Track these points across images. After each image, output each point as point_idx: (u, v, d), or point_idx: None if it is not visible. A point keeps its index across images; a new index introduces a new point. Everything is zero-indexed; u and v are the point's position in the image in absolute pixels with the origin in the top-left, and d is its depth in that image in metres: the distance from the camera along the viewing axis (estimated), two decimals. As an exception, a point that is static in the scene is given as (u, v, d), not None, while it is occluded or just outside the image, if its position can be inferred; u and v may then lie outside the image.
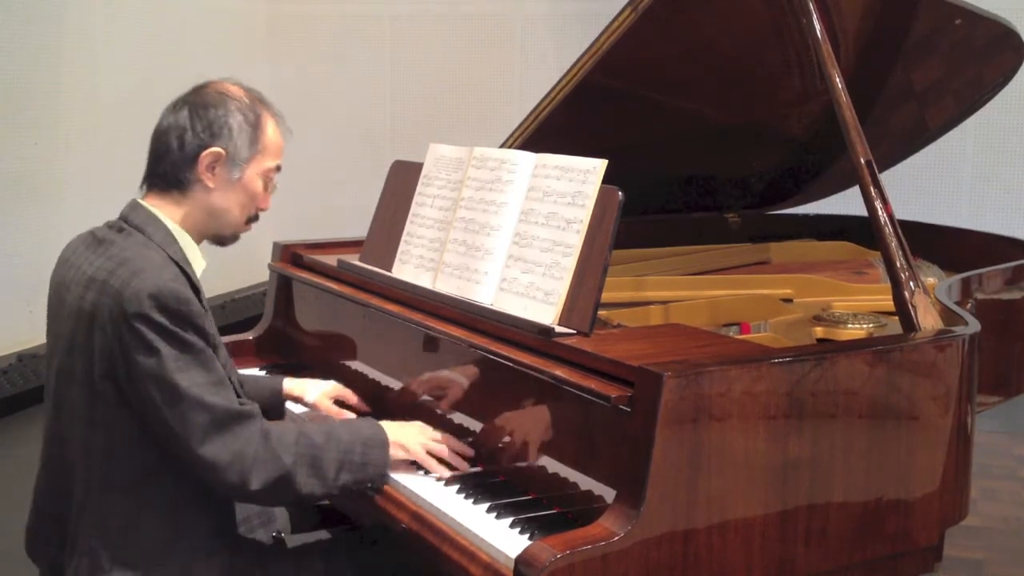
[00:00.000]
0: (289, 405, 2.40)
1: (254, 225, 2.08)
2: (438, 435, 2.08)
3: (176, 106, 1.97)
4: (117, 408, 1.84)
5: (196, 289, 1.91)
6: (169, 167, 1.95)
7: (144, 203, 1.97)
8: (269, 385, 2.37)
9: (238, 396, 1.97)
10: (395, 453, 2.01)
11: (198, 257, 1.99)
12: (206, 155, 1.93)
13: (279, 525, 2.16)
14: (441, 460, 2.03)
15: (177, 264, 1.90)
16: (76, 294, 1.89)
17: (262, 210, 2.05)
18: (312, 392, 2.35)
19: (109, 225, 1.98)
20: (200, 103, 1.95)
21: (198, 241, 2.00)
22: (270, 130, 2.01)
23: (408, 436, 2.03)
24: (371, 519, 2.03)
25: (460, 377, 2.13)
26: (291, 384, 2.38)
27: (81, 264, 1.93)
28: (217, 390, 1.83)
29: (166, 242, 1.92)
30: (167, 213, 1.95)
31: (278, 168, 2.04)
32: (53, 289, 1.99)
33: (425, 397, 2.24)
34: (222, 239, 2.04)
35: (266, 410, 2.03)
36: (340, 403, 2.36)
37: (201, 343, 1.83)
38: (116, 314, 1.80)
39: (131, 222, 1.94)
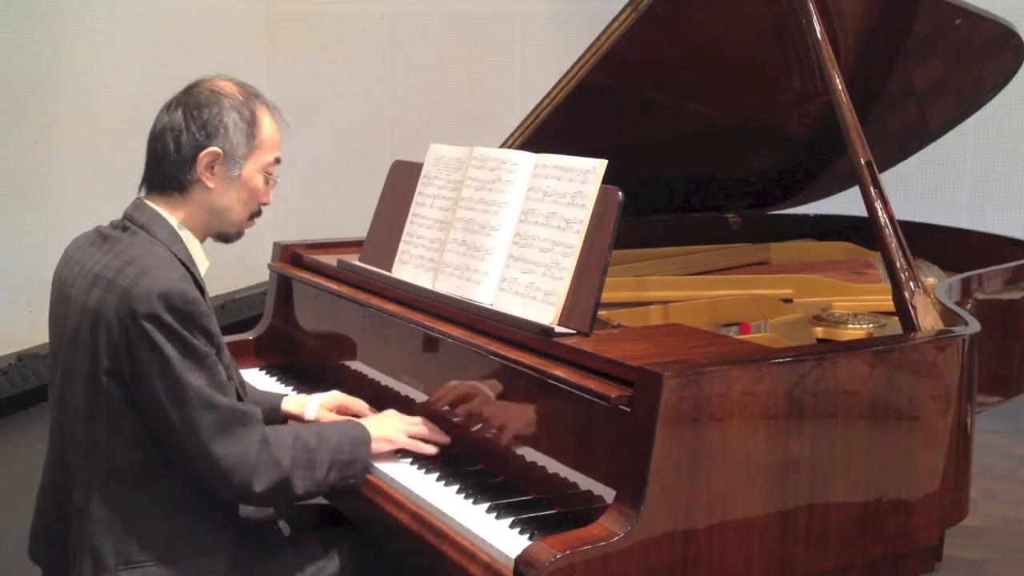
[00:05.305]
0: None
1: (256, 222, 2.08)
2: (414, 419, 2.14)
3: (170, 107, 1.97)
4: (120, 406, 1.84)
5: (201, 288, 1.91)
6: (168, 169, 1.95)
7: (148, 202, 1.97)
8: (269, 400, 2.33)
9: (240, 398, 1.97)
10: (381, 447, 2.07)
11: (202, 256, 1.99)
12: (204, 155, 1.93)
13: (279, 524, 2.16)
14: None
15: (182, 263, 1.90)
16: (81, 291, 1.89)
17: (264, 204, 2.06)
18: (311, 408, 2.30)
19: (114, 224, 1.98)
20: (194, 103, 1.95)
21: (202, 240, 2.01)
22: (266, 125, 2.01)
23: (389, 428, 2.10)
24: (371, 519, 2.03)
25: (460, 378, 2.13)
26: (289, 404, 2.33)
27: (86, 262, 1.93)
28: (221, 392, 1.84)
29: (171, 240, 1.93)
30: (170, 212, 1.96)
31: (277, 161, 2.05)
32: (56, 286, 1.99)
33: (425, 398, 2.24)
34: (226, 236, 2.05)
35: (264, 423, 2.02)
36: (343, 414, 2.31)
37: (206, 346, 1.84)
38: (124, 313, 1.80)
39: (136, 220, 1.94)
